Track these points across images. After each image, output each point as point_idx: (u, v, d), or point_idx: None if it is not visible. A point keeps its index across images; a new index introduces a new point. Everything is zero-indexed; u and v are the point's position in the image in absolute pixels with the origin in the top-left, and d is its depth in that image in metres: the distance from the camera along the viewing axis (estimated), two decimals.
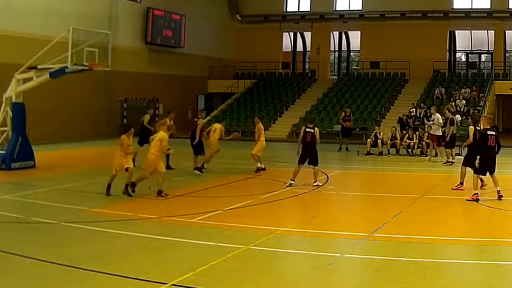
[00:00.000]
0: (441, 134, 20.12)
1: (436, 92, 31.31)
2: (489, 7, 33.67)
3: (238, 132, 18.69)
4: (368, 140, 23.46)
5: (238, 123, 30.80)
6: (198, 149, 16.56)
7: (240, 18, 38.80)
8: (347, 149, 24.02)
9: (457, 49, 37.43)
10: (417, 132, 22.73)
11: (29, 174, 16.31)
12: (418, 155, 22.06)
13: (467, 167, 13.48)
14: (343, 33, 39.45)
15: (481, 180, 13.43)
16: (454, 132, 19.64)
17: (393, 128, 23.51)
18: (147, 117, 17.81)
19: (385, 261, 8.12)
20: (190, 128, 17.52)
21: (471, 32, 36.31)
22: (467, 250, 8.88)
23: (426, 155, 21.27)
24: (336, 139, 26.19)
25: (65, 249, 8.55)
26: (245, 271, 7.67)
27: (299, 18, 38.16)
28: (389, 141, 22.89)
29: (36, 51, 17.17)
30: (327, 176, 15.93)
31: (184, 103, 33.16)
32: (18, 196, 13.02)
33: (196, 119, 17.40)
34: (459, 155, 21.18)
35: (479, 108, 28.72)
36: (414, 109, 26.50)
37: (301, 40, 40.51)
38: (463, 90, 30.49)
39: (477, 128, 13.29)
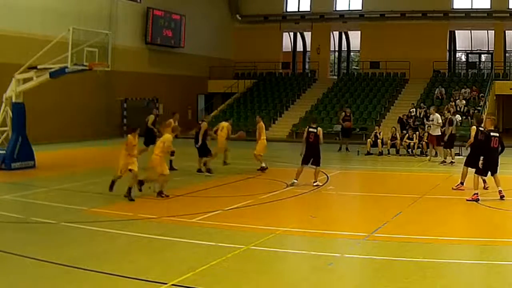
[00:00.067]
0: (439, 134, 20.13)
1: (436, 92, 31.31)
2: (489, 7, 33.67)
3: (243, 131, 18.63)
4: (368, 140, 23.47)
5: (238, 123, 30.76)
6: (203, 152, 16.51)
7: (240, 18, 38.80)
8: (347, 149, 24.03)
9: (457, 49, 37.43)
10: (417, 132, 22.74)
11: (29, 174, 16.31)
12: (418, 155, 22.06)
13: (469, 168, 13.50)
14: (343, 33, 39.45)
15: (484, 181, 13.46)
16: (453, 132, 19.71)
17: (393, 128, 23.52)
18: (151, 118, 17.76)
19: (385, 261, 8.12)
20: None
21: (471, 32, 36.31)
22: (467, 250, 8.88)
23: (426, 155, 21.28)
24: (336, 139, 26.19)
25: (65, 249, 8.55)
26: (245, 271, 7.67)
27: (299, 18, 38.15)
28: (389, 141, 22.89)
29: (36, 51, 17.18)
30: (327, 176, 15.93)
31: (184, 103, 33.17)
32: (18, 196, 13.02)
33: (200, 122, 17.41)
34: (459, 155, 21.26)
35: (479, 108, 28.73)
36: (414, 109, 26.51)
37: (301, 40, 40.51)
38: (463, 90, 30.49)
39: (480, 128, 13.33)
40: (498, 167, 12.71)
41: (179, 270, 7.46)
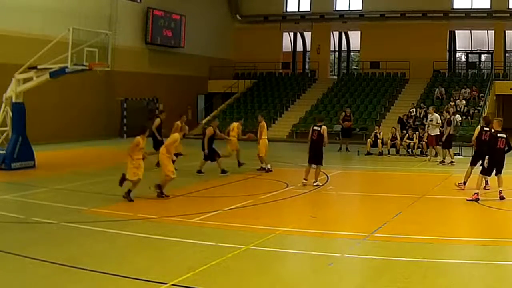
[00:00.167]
0: (438, 134, 20.16)
1: (436, 92, 31.30)
2: (489, 7, 33.65)
3: (252, 133, 18.56)
4: (368, 140, 23.48)
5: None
6: (210, 156, 16.50)
7: (240, 18, 38.78)
8: (347, 149, 24.03)
9: (457, 49, 37.42)
10: (417, 132, 22.74)
11: (29, 174, 16.31)
12: (418, 155, 22.07)
13: (474, 167, 13.56)
14: (343, 33, 39.44)
15: (486, 182, 13.50)
16: (451, 133, 19.80)
17: (393, 128, 23.52)
18: (157, 121, 17.66)
19: (385, 261, 8.12)
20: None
21: (471, 32, 36.30)
22: (467, 250, 8.88)
23: (426, 155, 21.27)
24: (336, 139, 26.20)
25: (65, 249, 8.55)
26: (245, 271, 7.68)
27: (299, 18, 38.14)
28: (389, 141, 22.90)
29: (36, 51, 17.17)
30: (327, 176, 15.93)
31: (184, 103, 33.15)
32: (18, 196, 13.02)
33: (205, 126, 17.40)
34: (459, 155, 21.29)
35: (479, 108, 28.75)
36: (414, 109, 26.53)
37: (301, 40, 40.50)
38: (463, 90, 30.49)
39: (485, 129, 13.44)
40: (503, 168, 12.72)
41: (179, 270, 7.46)
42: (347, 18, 37.01)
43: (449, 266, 7.91)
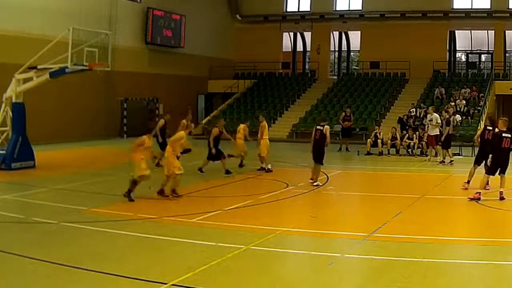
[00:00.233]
0: (438, 134, 20.18)
1: (436, 92, 31.30)
2: (489, 7, 33.63)
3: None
4: (368, 140, 23.48)
5: (238, 123, 30.74)
6: (216, 156, 16.51)
7: (240, 18, 38.77)
8: (347, 149, 24.03)
9: (457, 49, 37.40)
10: (417, 132, 22.75)
11: (29, 174, 16.31)
12: (418, 155, 22.07)
13: (477, 167, 13.61)
14: (343, 33, 39.42)
15: (487, 182, 13.51)
16: (450, 133, 19.89)
17: (393, 128, 23.52)
18: (161, 122, 17.63)
19: (385, 261, 8.12)
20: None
21: (471, 32, 36.28)
22: (467, 250, 8.88)
23: (426, 155, 21.27)
24: (336, 139, 26.19)
25: (65, 249, 8.55)
26: (245, 271, 7.68)
27: (299, 18, 38.12)
28: (389, 141, 22.90)
29: (36, 51, 17.16)
30: (327, 176, 15.92)
31: (184, 103, 33.08)
32: (18, 196, 13.02)
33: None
34: (459, 155, 21.31)
35: (479, 108, 28.75)
36: (414, 109, 26.53)
37: (301, 40, 40.48)
38: (463, 90, 30.48)
39: (489, 128, 13.52)
40: (507, 168, 12.73)
41: (179, 270, 7.46)
42: (347, 18, 37.00)
43: (449, 266, 7.91)
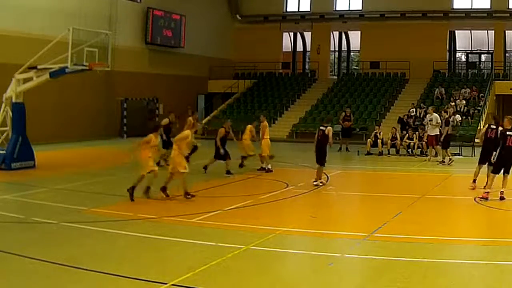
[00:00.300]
0: (438, 133, 20.20)
1: (436, 92, 31.30)
2: (489, 7, 33.63)
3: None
4: (368, 140, 23.49)
5: (239, 123, 30.76)
6: (223, 156, 16.50)
7: (240, 18, 38.76)
8: (347, 149, 24.03)
9: (457, 49, 37.40)
10: (417, 132, 22.75)
11: (29, 174, 16.30)
12: (418, 155, 22.07)
13: (482, 166, 13.63)
14: (343, 33, 39.42)
15: (475, 181, 13.56)
16: (449, 132, 19.98)
17: (393, 128, 23.52)
18: (165, 121, 17.57)
19: (385, 261, 8.12)
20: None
21: (471, 32, 36.28)
22: (467, 250, 8.88)
23: (426, 155, 21.27)
24: (336, 139, 26.17)
25: (65, 249, 8.55)
26: (245, 271, 7.68)
27: (299, 18, 38.12)
28: (389, 141, 22.90)
29: (36, 51, 17.16)
30: (327, 176, 15.92)
31: (184, 103, 33.11)
32: (18, 196, 13.02)
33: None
34: (459, 155, 21.33)
35: (479, 108, 28.76)
36: (414, 109, 26.53)
37: (301, 40, 40.48)
38: (463, 90, 30.49)
39: (492, 126, 13.59)
40: None
41: (179, 270, 7.46)
42: (347, 18, 36.99)
43: (449, 266, 7.91)
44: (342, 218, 11.74)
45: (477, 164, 13.94)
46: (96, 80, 23.90)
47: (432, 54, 33.60)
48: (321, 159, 14.71)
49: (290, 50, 40.56)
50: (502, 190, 12.45)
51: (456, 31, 36.42)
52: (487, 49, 36.13)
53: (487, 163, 13.50)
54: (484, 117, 28.38)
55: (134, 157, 12.79)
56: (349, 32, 39.11)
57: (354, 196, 14.49)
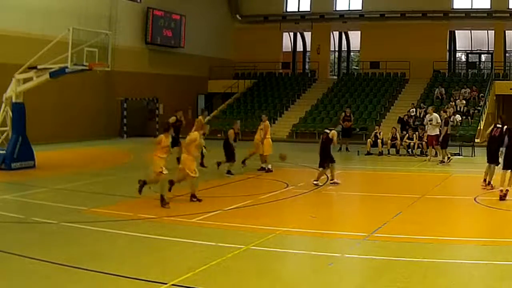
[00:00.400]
0: (438, 133, 20.21)
1: (436, 92, 31.30)
2: (489, 7, 33.64)
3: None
4: (368, 140, 23.49)
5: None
6: (232, 156, 16.53)
7: (240, 18, 38.77)
8: (347, 149, 24.01)
9: (457, 49, 37.41)
10: (417, 132, 22.75)
11: (29, 174, 16.30)
12: (418, 155, 22.07)
13: (492, 165, 13.66)
14: (343, 33, 39.43)
15: (488, 182, 13.53)
16: (448, 132, 20.05)
17: (394, 128, 23.52)
18: (172, 119, 17.50)
19: (385, 261, 8.12)
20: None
21: (471, 32, 36.29)
22: (467, 250, 8.88)
23: (426, 155, 21.28)
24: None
25: (65, 249, 8.55)
26: (245, 271, 7.68)
27: (299, 18, 38.13)
28: (389, 141, 22.90)
29: (36, 51, 17.16)
30: (327, 176, 15.89)
31: (184, 103, 33.11)
32: (18, 196, 13.02)
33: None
34: (459, 155, 21.33)
35: (479, 108, 28.76)
36: (414, 109, 26.53)
37: (301, 40, 40.49)
38: (463, 90, 30.49)
39: (497, 125, 13.72)
40: None
41: (179, 270, 7.46)
42: (347, 18, 37.00)
43: (449, 266, 7.91)
44: (342, 218, 11.74)
45: (487, 163, 13.90)
46: (96, 80, 23.91)
47: (432, 54, 33.61)
48: (321, 162, 14.74)
49: (290, 50, 40.56)
50: (504, 189, 12.43)
51: (456, 31, 36.43)
52: (487, 49, 36.14)
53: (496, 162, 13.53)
54: (484, 117, 28.39)
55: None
56: (349, 32, 39.11)
57: (354, 196, 14.49)
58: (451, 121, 23.86)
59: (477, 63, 36.65)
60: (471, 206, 12.16)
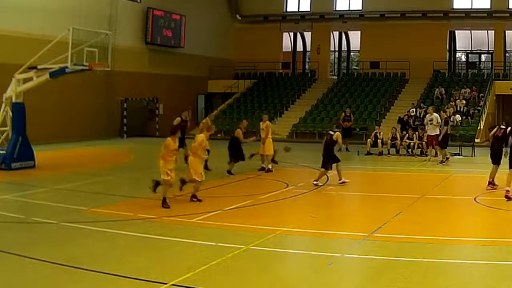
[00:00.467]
0: (438, 133, 20.22)
1: (436, 92, 31.30)
2: (489, 7, 33.64)
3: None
4: (368, 140, 23.49)
5: (238, 123, 30.74)
6: (241, 156, 16.53)
7: (240, 18, 38.77)
8: (347, 149, 23.99)
9: (457, 49, 37.41)
10: (417, 132, 22.75)
11: (29, 174, 16.31)
12: (418, 155, 22.06)
13: (497, 166, 13.64)
14: (343, 33, 39.43)
15: (489, 182, 13.52)
16: (448, 132, 20.07)
17: (394, 128, 23.52)
18: (177, 120, 17.46)
19: (385, 261, 8.12)
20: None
21: (471, 32, 36.29)
22: (467, 250, 8.88)
23: (426, 155, 21.27)
24: None
25: (65, 249, 8.55)
26: (245, 271, 7.68)
27: (299, 18, 38.13)
28: (389, 141, 22.91)
29: (36, 51, 17.17)
30: (327, 176, 15.90)
31: (184, 103, 33.06)
32: (18, 196, 13.02)
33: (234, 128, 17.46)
34: (459, 155, 21.33)
35: (479, 108, 28.76)
36: (414, 109, 26.53)
37: (301, 40, 40.49)
38: (463, 90, 30.49)
39: (501, 126, 13.72)
40: None
41: (179, 270, 7.46)
42: (347, 18, 37.00)
43: (449, 266, 7.91)
44: (342, 218, 11.74)
45: (492, 164, 13.88)
46: (96, 80, 23.91)
47: (432, 54, 33.62)
48: (324, 163, 14.75)
49: (290, 50, 40.56)
50: (507, 189, 12.43)
51: (456, 31, 36.43)
52: (487, 49, 36.14)
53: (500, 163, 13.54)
54: (484, 117, 28.39)
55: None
56: (349, 32, 39.11)
57: (354, 196, 14.48)
58: (451, 121, 23.88)
59: (477, 63, 36.66)
60: (471, 206, 12.16)
